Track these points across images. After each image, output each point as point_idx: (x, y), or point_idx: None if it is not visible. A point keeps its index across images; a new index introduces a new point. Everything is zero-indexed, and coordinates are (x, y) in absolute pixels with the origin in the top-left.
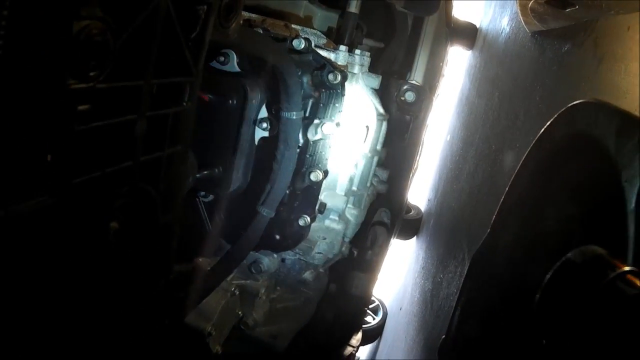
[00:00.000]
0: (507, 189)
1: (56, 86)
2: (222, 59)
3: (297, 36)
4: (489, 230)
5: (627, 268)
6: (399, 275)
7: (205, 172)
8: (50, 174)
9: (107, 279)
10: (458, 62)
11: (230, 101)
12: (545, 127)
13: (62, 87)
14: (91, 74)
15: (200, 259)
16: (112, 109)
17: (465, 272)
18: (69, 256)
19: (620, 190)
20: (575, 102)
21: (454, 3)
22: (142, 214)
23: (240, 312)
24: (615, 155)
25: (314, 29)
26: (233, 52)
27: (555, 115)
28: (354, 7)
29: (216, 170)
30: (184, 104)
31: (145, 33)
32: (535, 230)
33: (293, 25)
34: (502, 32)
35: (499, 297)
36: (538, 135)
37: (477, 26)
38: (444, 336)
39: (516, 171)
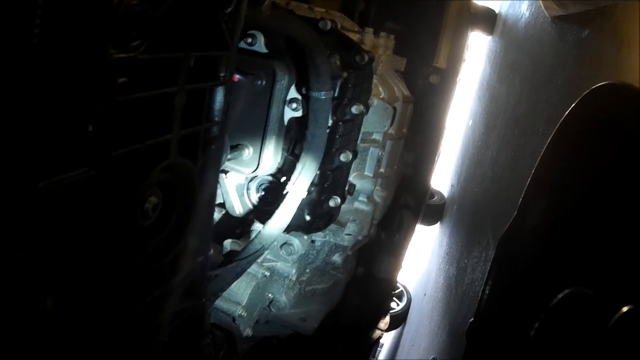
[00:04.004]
0: (532, 173)
1: (98, 56)
2: (249, 40)
3: (322, 18)
4: (515, 213)
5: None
6: (422, 261)
7: (236, 152)
8: (91, 145)
9: (144, 255)
10: (478, 47)
11: (259, 81)
12: (568, 110)
13: (103, 57)
14: (132, 44)
15: (230, 241)
16: (151, 81)
17: (492, 256)
18: (107, 229)
19: None
20: (598, 85)
21: None
22: (180, 189)
23: (270, 295)
24: (637, 136)
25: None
26: (260, 33)
27: (579, 98)
28: None
29: (246, 150)
30: (221, 78)
31: (183, 5)
32: (561, 213)
33: (317, 8)
34: (521, 17)
35: (526, 280)
36: (562, 119)
37: (497, 11)
38: (472, 319)
39: (541, 155)
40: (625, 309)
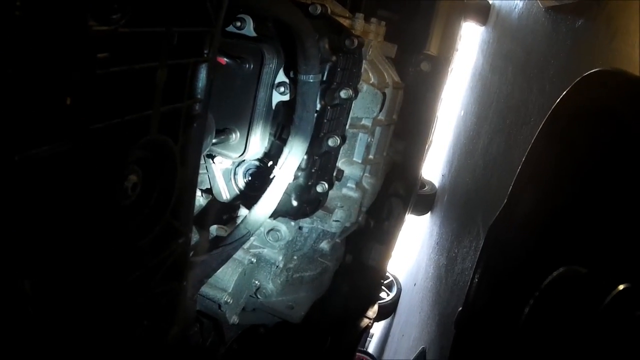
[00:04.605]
0: (522, 161)
1: (77, 28)
2: (238, 23)
3: (312, 2)
4: (505, 202)
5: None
6: (412, 251)
7: (222, 136)
8: (69, 119)
9: (123, 236)
10: (471, 37)
11: (247, 65)
12: (560, 97)
13: (83, 29)
14: (113, 17)
15: (217, 226)
16: (132, 56)
17: (481, 245)
18: (84, 207)
19: (637, 159)
20: (590, 72)
21: None
22: (160, 167)
23: (256, 282)
24: (630, 123)
25: None
26: (249, 17)
27: (570, 86)
28: None
29: (233, 135)
30: (205, 55)
31: None
32: (551, 202)
33: None
34: (515, 8)
35: (516, 269)
36: (553, 106)
37: (491, 2)
38: (460, 308)
39: (531, 143)
40: (621, 287)
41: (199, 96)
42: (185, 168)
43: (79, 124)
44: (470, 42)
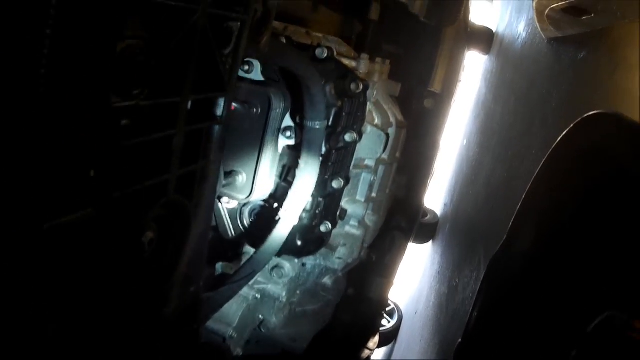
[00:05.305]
0: (524, 195)
1: (101, 105)
2: (246, 67)
3: (319, 45)
4: (506, 234)
5: None
6: (414, 279)
7: (230, 179)
8: (92, 188)
9: (142, 287)
10: (474, 66)
11: (254, 109)
12: (561, 137)
13: (106, 106)
14: (134, 92)
15: (223, 264)
16: (151, 125)
17: (482, 276)
18: (107, 265)
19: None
20: (589, 113)
21: (471, 8)
22: (175, 223)
23: (260, 316)
24: (632, 169)
25: (334, 36)
26: (257, 61)
27: (571, 126)
28: (374, 14)
29: (240, 177)
30: (218, 118)
31: (182, 50)
32: (550, 241)
33: (314, 33)
34: (518, 38)
35: (514, 303)
36: (553, 146)
37: (494, 31)
38: (460, 340)
39: (533, 178)
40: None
41: (212, 157)
42: (198, 220)
43: (102, 192)
44: (473, 70)
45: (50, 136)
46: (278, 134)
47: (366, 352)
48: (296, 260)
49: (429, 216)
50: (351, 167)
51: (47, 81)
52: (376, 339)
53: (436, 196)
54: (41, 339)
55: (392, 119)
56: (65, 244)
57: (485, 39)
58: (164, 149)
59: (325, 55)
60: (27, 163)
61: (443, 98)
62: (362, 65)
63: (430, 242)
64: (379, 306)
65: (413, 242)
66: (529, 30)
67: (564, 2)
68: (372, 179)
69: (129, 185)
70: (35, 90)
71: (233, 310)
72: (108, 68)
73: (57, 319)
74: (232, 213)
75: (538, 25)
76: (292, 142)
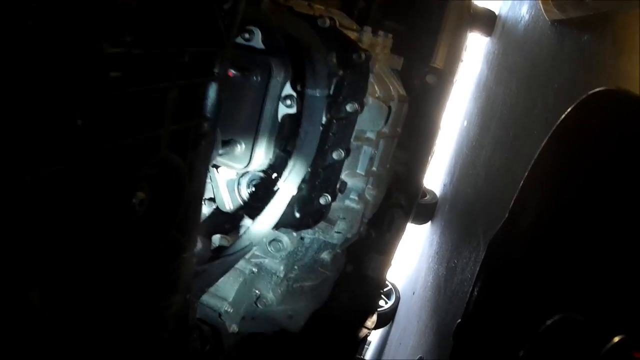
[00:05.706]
0: (525, 175)
1: (91, 50)
2: (246, 35)
3: (321, 15)
4: (506, 216)
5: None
6: (412, 259)
7: (227, 148)
8: (80, 139)
9: (131, 252)
10: (476, 48)
11: (254, 77)
12: (564, 115)
13: (97, 52)
14: (127, 39)
15: (220, 236)
16: (144, 76)
17: (482, 257)
18: (94, 224)
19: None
20: (595, 90)
21: None
22: (167, 184)
23: (257, 291)
24: (633, 142)
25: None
26: (258, 29)
27: (575, 104)
28: None
29: (238, 146)
30: (215, 74)
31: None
32: (552, 220)
33: (316, 5)
34: (521, 20)
35: (515, 284)
36: (557, 124)
37: (496, 13)
38: (459, 320)
39: (534, 158)
40: (616, 339)
41: (207, 115)
42: (192, 184)
43: (90, 144)
44: (475, 52)
45: (37, 82)
46: (278, 103)
47: (364, 331)
48: (294, 234)
49: (428, 196)
50: (352, 139)
51: (35, 23)
52: (374, 317)
53: (436, 176)
54: (25, 308)
55: (393, 93)
56: (50, 199)
57: (487, 20)
58: (157, 106)
59: (327, 24)
60: (11, 109)
61: (445, 74)
62: (364, 37)
63: (429, 222)
64: (378, 284)
65: (412, 223)
66: (532, 13)
67: None
68: (372, 152)
69: (120, 139)
70: (23, 33)
71: (229, 284)
72: (100, 12)
73: (40, 285)
74: (229, 184)
75: (542, 7)
76: (292, 110)
